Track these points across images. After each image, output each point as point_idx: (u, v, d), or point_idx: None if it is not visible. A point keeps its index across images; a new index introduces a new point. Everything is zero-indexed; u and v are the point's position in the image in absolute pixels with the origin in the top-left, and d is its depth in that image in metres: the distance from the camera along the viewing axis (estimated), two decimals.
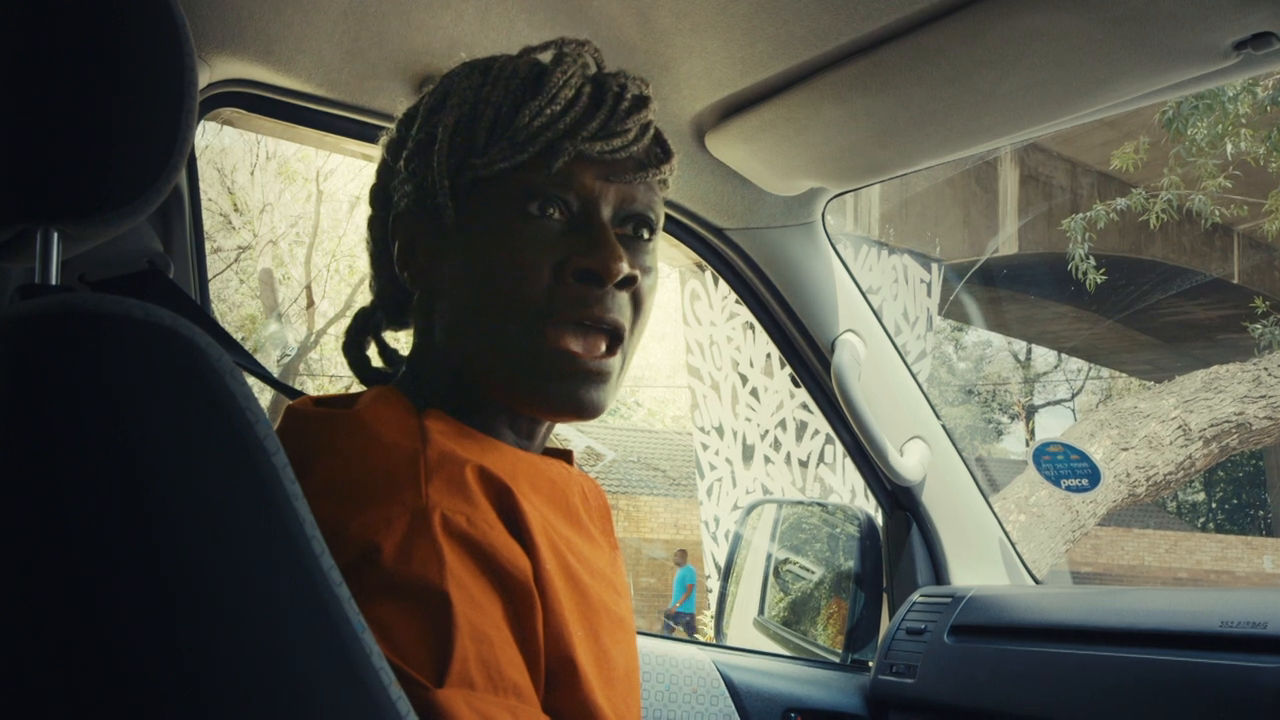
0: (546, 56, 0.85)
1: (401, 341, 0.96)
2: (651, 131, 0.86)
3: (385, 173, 0.90)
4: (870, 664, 1.65)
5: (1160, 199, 7.05)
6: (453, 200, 0.83)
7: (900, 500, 1.71)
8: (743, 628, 1.97)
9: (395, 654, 0.64)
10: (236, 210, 11.89)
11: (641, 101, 0.84)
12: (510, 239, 0.81)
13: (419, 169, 0.85)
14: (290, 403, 0.86)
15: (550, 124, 0.80)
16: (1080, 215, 7.38)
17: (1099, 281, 7.41)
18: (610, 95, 0.82)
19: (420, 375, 0.86)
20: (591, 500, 0.88)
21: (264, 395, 7.07)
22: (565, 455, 0.92)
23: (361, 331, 0.94)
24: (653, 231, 0.87)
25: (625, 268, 0.80)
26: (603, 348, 0.82)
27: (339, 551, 0.60)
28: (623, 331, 0.83)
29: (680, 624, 11.30)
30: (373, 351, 0.96)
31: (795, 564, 1.99)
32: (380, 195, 0.90)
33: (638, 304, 0.84)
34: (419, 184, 0.85)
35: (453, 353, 0.84)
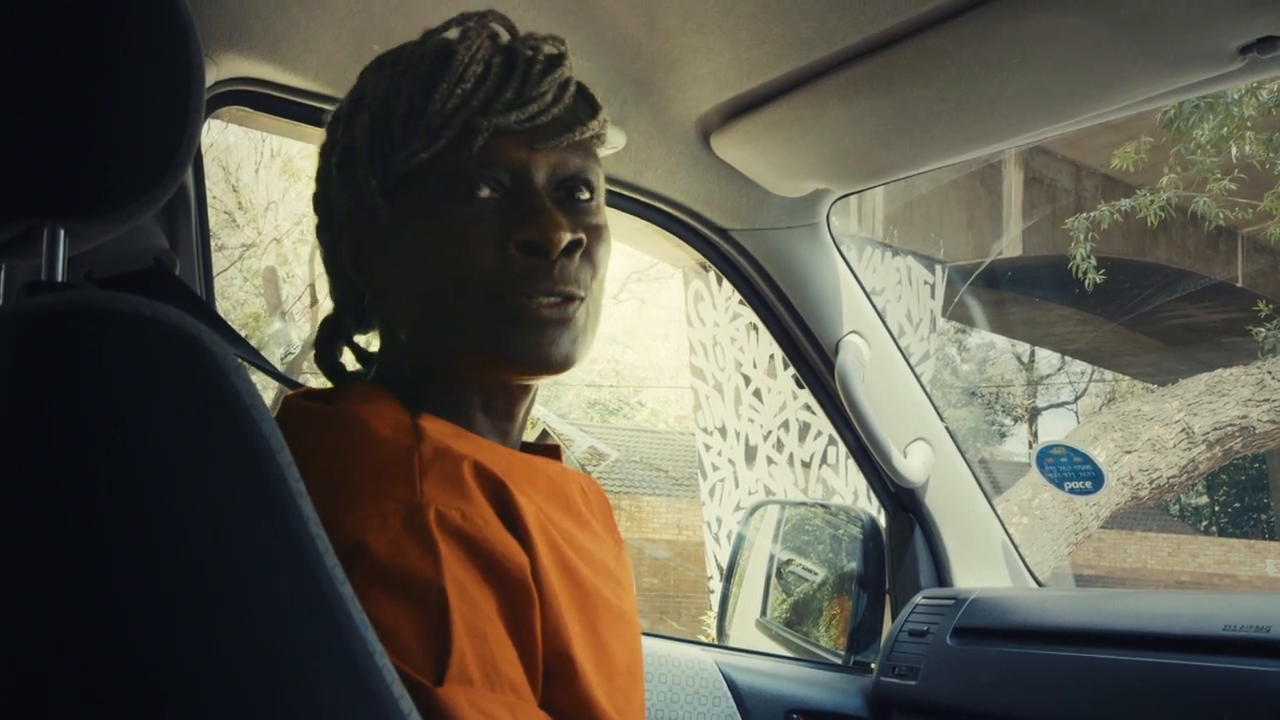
0: (456, 34, 0.82)
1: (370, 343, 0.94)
2: (572, 89, 0.83)
3: (323, 179, 0.88)
4: (872, 666, 1.65)
5: (1159, 198, 7.03)
6: (384, 200, 0.81)
7: (903, 502, 1.71)
8: (745, 629, 1.97)
9: (392, 652, 0.64)
10: (240, 208, 11.88)
11: (556, 60, 0.81)
12: (448, 227, 0.79)
13: (349, 173, 0.83)
14: (288, 394, 0.85)
15: (463, 104, 0.78)
16: (1084, 215, 7.37)
17: (1097, 281, 7.41)
18: (522, 61, 0.80)
19: (387, 378, 0.85)
20: (591, 496, 0.88)
21: (267, 393, 7.07)
22: (554, 451, 0.90)
23: (331, 340, 0.92)
24: (593, 191, 0.84)
25: (567, 235, 0.79)
26: (560, 301, 0.80)
27: (333, 547, 0.60)
28: (579, 295, 0.81)
29: None
30: (348, 356, 0.94)
31: (798, 565, 1.99)
32: (323, 201, 0.88)
33: (592, 264, 0.83)
34: (352, 189, 0.83)
35: (416, 348, 0.83)
